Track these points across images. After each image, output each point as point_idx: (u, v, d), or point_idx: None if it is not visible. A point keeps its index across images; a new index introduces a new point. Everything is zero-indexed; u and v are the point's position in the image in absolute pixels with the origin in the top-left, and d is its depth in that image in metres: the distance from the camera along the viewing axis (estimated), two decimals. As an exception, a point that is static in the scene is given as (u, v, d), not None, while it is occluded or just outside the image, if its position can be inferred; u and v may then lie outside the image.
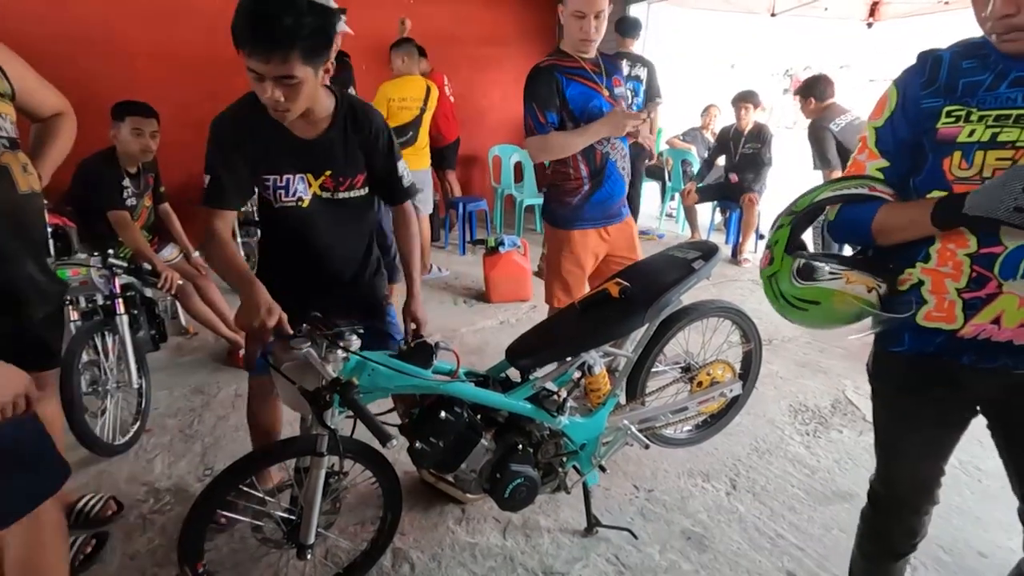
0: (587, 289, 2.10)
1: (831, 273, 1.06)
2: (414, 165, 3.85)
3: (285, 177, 1.40)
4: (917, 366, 1.08)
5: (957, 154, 0.94)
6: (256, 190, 1.43)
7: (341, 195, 1.46)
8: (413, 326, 1.58)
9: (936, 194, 0.97)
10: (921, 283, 1.01)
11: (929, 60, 1.01)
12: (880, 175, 1.05)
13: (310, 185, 1.42)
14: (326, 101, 1.39)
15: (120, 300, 2.19)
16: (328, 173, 1.43)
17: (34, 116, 1.35)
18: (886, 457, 1.22)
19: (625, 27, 4.17)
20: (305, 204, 1.43)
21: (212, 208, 1.37)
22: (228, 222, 1.41)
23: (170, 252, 2.91)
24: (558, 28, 2.04)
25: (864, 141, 1.08)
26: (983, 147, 0.92)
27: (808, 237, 1.16)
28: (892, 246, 1.04)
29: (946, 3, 5.74)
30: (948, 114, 0.96)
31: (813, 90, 3.74)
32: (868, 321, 1.12)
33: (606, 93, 2.03)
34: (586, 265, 2.13)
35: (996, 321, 0.95)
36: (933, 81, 0.98)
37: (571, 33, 1.95)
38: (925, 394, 1.10)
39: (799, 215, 1.08)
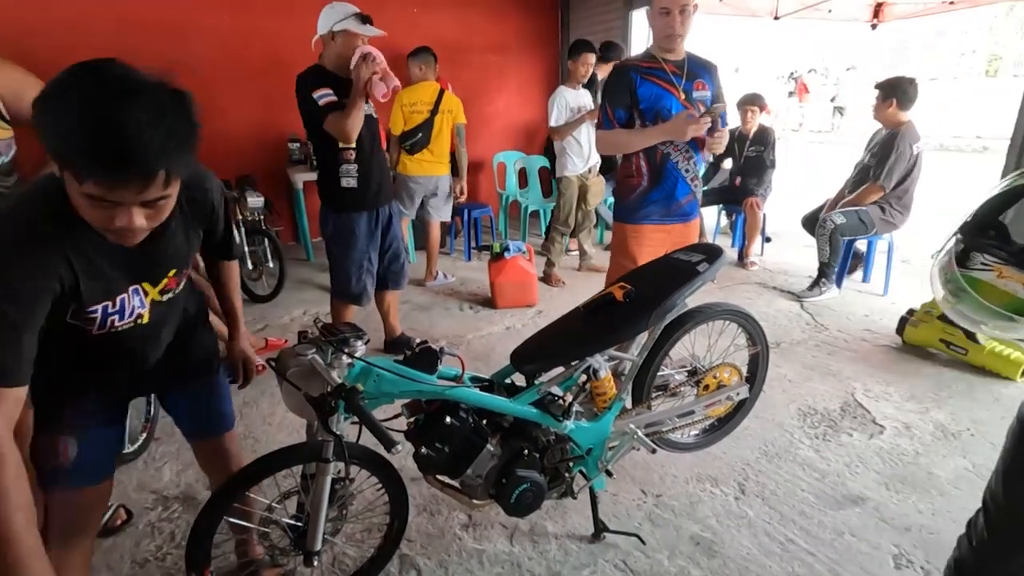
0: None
1: (983, 264, 0.99)
2: (436, 171, 3.90)
3: (119, 299, 1.06)
4: None
5: None
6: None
7: (181, 287, 1.20)
8: (242, 366, 1.48)
9: None
10: None
11: None
12: None
13: (147, 294, 1.12)
14: None
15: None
16: (172, 273, 1.14)
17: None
18: None
19: (608, 52, 4.17)
20: (145, 319, 1.13)
21: None
22: (14, 415, 0.91)
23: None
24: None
25: None
26: None
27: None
28: None
29: (951, 3, 5.72)
30: None
31: (897, 91, 3.44)
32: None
33: (681, 96, 2.09)
34: (640, 260, 2.16)
35: None
36: None
37: (657, 30, 2.05)
38: None
39: (1005, 196, 1.00)
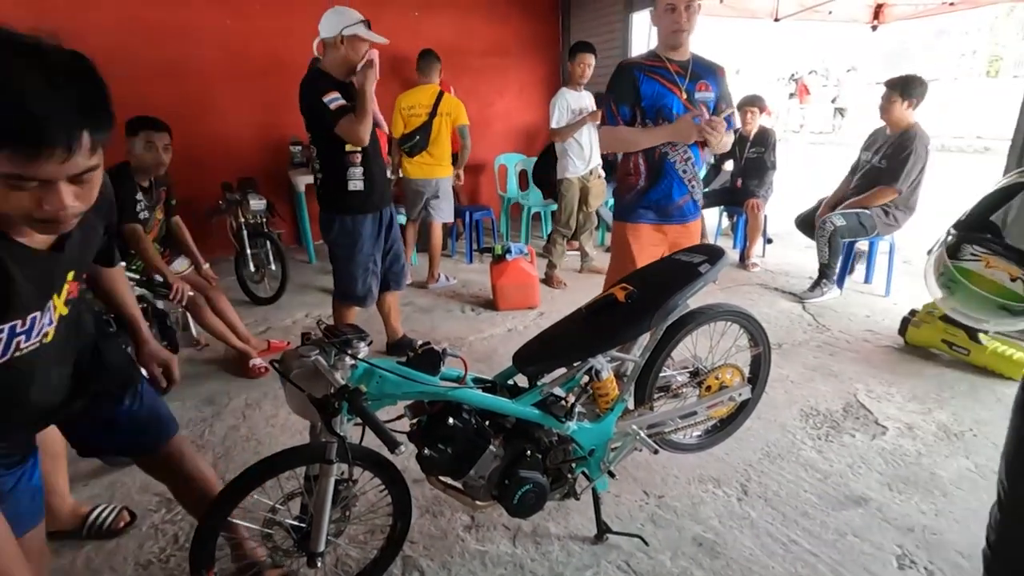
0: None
1: (972, 254, 1.03)
2: (436, 173, 3.92)
3: (30, 317, 0.93)
4: None
5: None
6: None
7: (78, 294, 1.08)
8: (160, 369, 1.40)
9: None
10: None
11: None
12: None
13: (55, 309, 0.99)
14: None
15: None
16: (70, 277, 1.02)
17: None
18: None
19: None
20: (49, 337, 1.00)
21: None
22: None
23: (181, 264, 2.95)
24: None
25: None
26: None
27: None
28: None
29: (951, 4, 5.72)
30: None
31: (911, 89, 3.35)
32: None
33: (683, 96, 2.11)
34: (638, 259, 2.19)
35: None
36: None
37: (663, 27, 2.06)
38: None
39: (999, 194, 1.04)
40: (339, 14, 2.33)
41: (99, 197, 0.90)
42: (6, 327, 0.90)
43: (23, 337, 0.94)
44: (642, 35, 5.13)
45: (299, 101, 2.39)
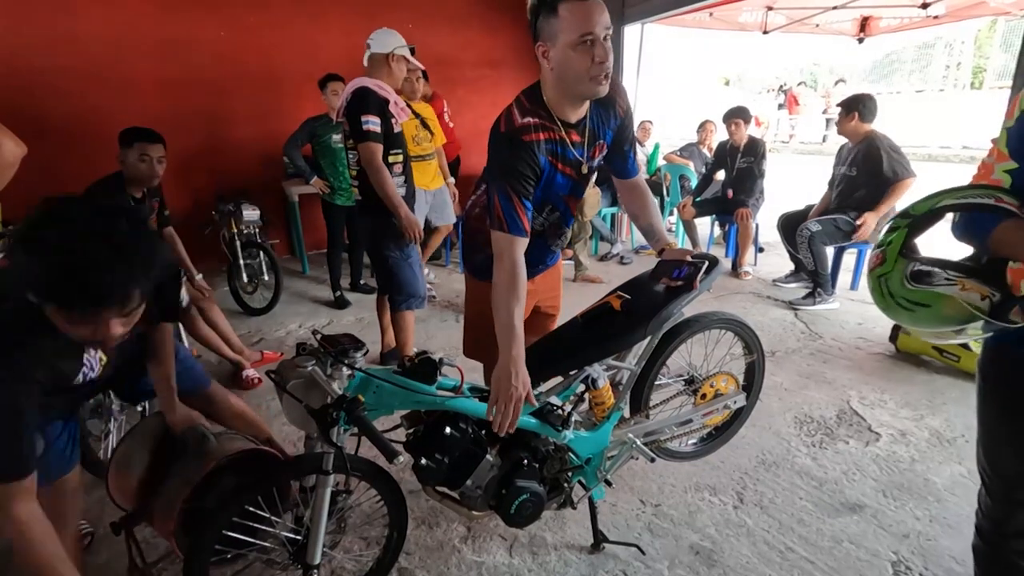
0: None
1: (947, 279, 1.05)
2: (435, 184, 3.87)
3: (82, 368, 1.21)
4: (1011, 361, 1.09)
5: None
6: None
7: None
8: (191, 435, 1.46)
9: None
10: None
11: None
12: (1008, 177, 1.01)
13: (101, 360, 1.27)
14: None
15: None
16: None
17: None
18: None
19: None
20: (104, 359, 1.27)
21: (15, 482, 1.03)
22: (33, 494, 1.07)
23: (174, 275, 2.93)
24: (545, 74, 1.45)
25: (995, 143, 1.05)
26: None
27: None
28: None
29: (935, 17, 5.85)
30: None
31: (858, 105, 3.65)
32: (974, 325, 1.07)
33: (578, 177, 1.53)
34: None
35: None
36: None
37: (577, 70, 1.33)
38: None
39: (918, 219, 1.05)
40: (390, 34, 2.49)
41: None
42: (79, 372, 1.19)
43: (88, 371, 1.22)
44: (633, 47, 5.20)
45: (346, 105, 2.47)
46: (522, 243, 1.41)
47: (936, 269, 1.05)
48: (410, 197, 2.64)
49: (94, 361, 1.23)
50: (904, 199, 3.63)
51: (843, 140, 3.87)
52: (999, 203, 0.98)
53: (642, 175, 1.83)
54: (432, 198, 3.90)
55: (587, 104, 1.47)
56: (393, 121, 2.48)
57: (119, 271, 0.94)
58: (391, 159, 2.50)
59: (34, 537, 1.05)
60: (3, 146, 1.24)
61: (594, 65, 1.30)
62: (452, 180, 4.24)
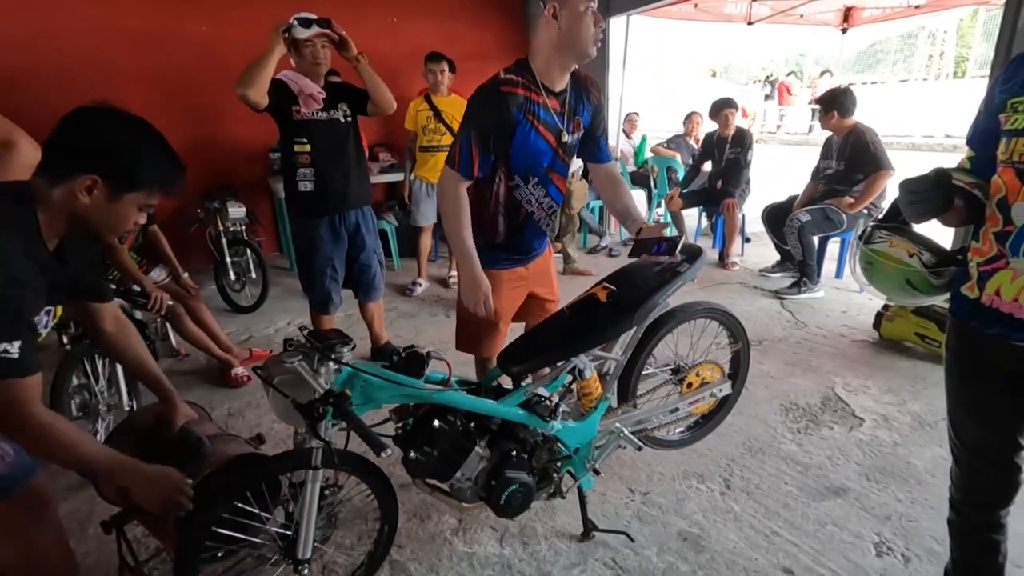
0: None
1: (879, 238, 1.27)
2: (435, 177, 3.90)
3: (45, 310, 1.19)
4: (965, 333, 1.18)
5: (1002, 141, 1.06)
6: None
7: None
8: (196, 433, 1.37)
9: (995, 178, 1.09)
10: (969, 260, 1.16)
11: (1016, 60, 1.10)
12: (968, 164, 1.18)
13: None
14: None
15: (110, 322, 2.17)
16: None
17: None
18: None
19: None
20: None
21: (19, 378, 1.01)
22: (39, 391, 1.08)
23: (159, 274, 2.90)
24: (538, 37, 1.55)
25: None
26: (1017, 134, 1.02)
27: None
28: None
29: (917, 7, 5.90)
30: (1010, 106, 1.05)
31: (835, 103, 3.68)
32: (921, 284, 1.26)
33: (560, 149, 1.64)
34: (503, 303, 1.79)
35: (998, 293, 1.05)
36: (1012, 77, 1.08)
37: (585, 31, 1.47)
38: (972, 359, 1.19)
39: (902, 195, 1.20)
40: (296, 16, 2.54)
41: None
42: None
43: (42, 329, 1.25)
44: (619, 39, 5.19)
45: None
46: (465, 183, 1.59)
47: (877, 230, 1.28)
48: (325, 192, 2.49)
49: (48, 319, 1.30)
50: (886, 193, 3.69)
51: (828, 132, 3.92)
52: (957, 182, 1.13)
53: (617, 165, 1.93)
54: (434, 189, 3.91)
55: (568, 78, 1.60)
56: (296, 109, 2.40)
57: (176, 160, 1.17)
58: (297, 148, 2.45)
59: (60, 426, 1.09)
60: (20, 147, 1.29)
61: (595, 29, 1.50)
62: None
